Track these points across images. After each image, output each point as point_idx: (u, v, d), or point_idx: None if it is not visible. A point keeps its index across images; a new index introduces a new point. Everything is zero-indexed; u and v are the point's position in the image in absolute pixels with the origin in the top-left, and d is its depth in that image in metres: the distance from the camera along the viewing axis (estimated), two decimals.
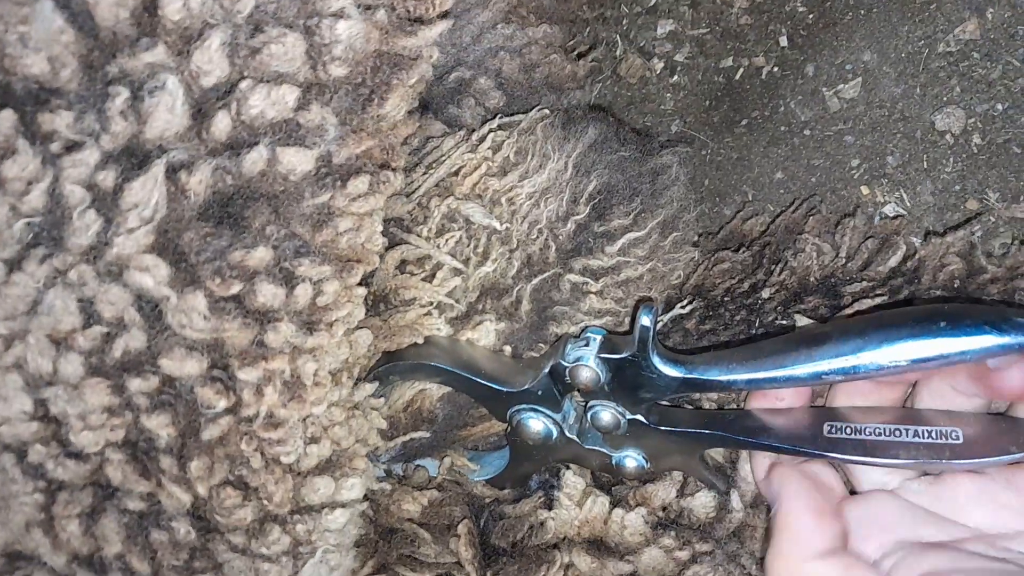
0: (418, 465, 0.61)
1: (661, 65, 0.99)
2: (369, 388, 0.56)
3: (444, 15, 0.47)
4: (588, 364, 0.55)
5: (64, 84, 0.41)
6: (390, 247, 0.59)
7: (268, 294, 0.47)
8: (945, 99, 0.86)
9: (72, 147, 0.42)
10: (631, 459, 0.58)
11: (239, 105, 0.43)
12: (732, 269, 0.69)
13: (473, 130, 0.61)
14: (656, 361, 0.54)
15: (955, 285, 0.62)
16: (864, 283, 0.62)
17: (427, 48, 0.47)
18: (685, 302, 0.65)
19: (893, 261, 0.63)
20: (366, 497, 0.56)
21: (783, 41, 0.94)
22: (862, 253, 0.65)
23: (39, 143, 0.42)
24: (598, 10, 0.94)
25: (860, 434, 0.52)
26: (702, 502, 0.56)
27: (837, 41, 0.91)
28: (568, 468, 0.61)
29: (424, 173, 0.59)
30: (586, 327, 0.60)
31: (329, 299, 0.50)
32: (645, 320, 0.53)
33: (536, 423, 0.59)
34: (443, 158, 0.60)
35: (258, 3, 0.43)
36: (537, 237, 0.61)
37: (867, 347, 0.48)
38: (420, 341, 0.59)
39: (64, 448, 0.45)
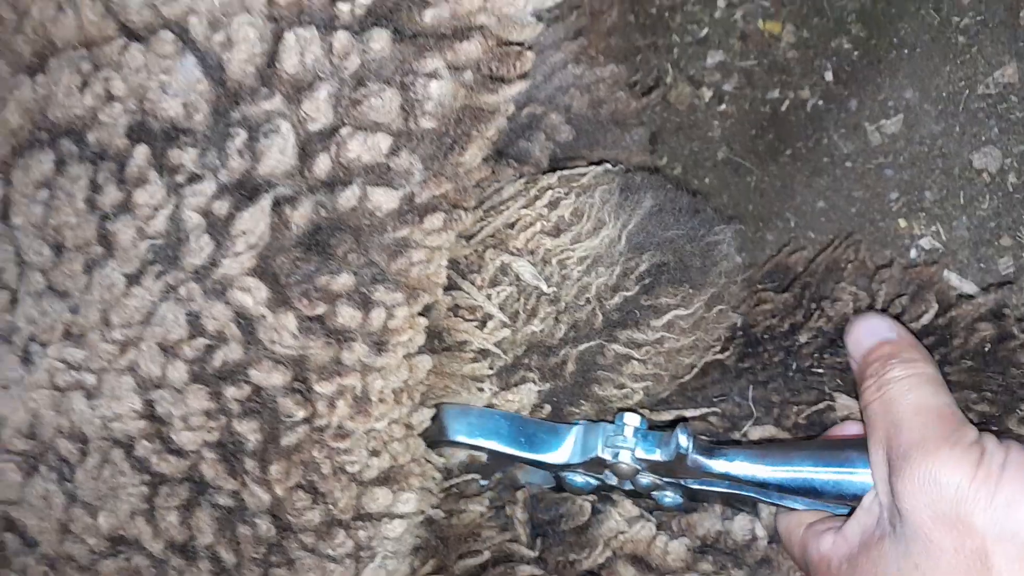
0: (472, 480, 0.71)
1: (710, 94, 1.10)
2: (427, 413, 0.66)
3: (523, 76, 0.57)
4: (627, 462, 0.66)
5: (194, 126, 0.52)
6: (447, 288, 0.68)
7: (347, 316, 0.58)
8: (983, 139, 0.98)
9: (194, 179, 0.53)
10: (669, 497, 0.69)
11: (339, 149, 0.54)
12: (774, 309, 0.79)
13: (534, 179, 0.70)
14: (692, 466, 0.65)
15: (985, 350, 0.72)
16: None
17: (505, 104, 0.58)
18: (702, 412, 0.75)
19: (925, 319, 0.74)
20: (431, 521, 0.67)
21: (828, 76, 1.05)
22: (896, 307, 0.75)
23: (167, 175, 0.53)
24: (650, 38, 1.05)
25: None
26: (740, 525, 0.67)
27: (880, 78, 1.03)
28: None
29: (482, 219, 0.70)
30: (620, 410, 0.70)
31: (399, 323, 0.60)
32: (682, 440, 0.64)
33: (580, 479, 0.70)
34: (502, 207, 0.70)
35: (363, 61, 0.53)
36: (585, 304, 0.71)
37: None
38: (468, 395, 0.69)
39: (166, 445, 0.56)
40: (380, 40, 0.53)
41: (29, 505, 0.58)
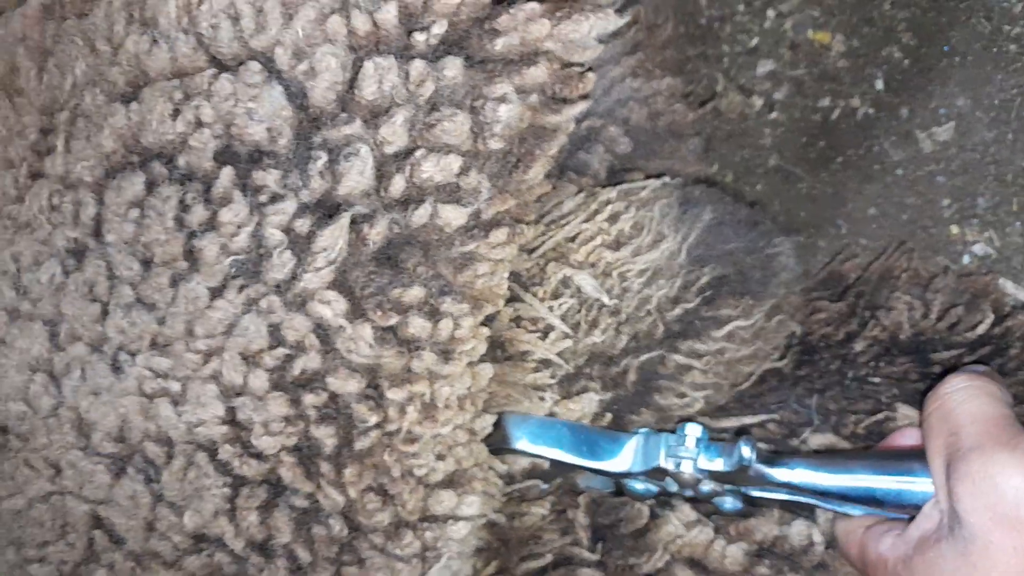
0: (533, 485, 0.75)
1: (760, 102, 1.13)
2: (489, 419, 0.69)
3: (585, 96, 0.61)
4: (689, 472, 0.69)
5: (278, 149, 0.56)
6: (510, 301, 0.72)
7: (418, 326, 0.61)
8: None
9: (276, 198, 0.57)
10: (728, 503, 0.72)
11: (413, 169, 0.58)
12: (829, 318, 0.82)
13: (593, 193, 0.74)
14: (754, 475, 0.68)
15: None
16: (953, 351, 0.75)
17: (567, 123, 0.61)
18: (761, 419, 0.78)
19: (980, 329, 0.76)
20: (494, 523, 0.70)
21: (879, 84, 1.07)
22: (951, 317, 0.78)
23: (250, 194, 0.57)
24: (700, 48, 1.08)
25: None
26: (798, 530, 0.70)
27: (932, 86, 1.05)
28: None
29: (543, 233, 0.73)
30: (681, 420, 0.73)
31: (464, 333, 0.64)
32: (745, 451, 0.67)
33: (640, 485, 0.73)
34: (562, 221, 0.74)
35: (437, 88, 0.57)
36: (646, 316, 0.74)
37: None
38: (530, 403, 0.73)
39: (247, 449, 0.60)
40: (453, 68, 0.57)
41: (117, 505, 0.62)
